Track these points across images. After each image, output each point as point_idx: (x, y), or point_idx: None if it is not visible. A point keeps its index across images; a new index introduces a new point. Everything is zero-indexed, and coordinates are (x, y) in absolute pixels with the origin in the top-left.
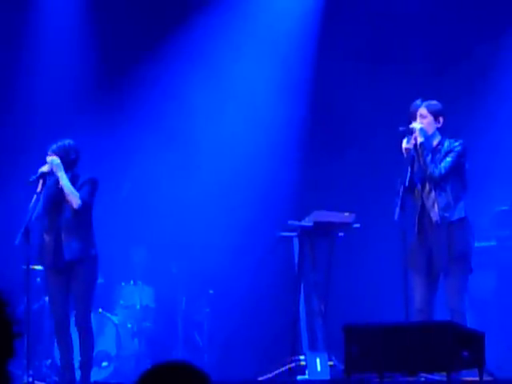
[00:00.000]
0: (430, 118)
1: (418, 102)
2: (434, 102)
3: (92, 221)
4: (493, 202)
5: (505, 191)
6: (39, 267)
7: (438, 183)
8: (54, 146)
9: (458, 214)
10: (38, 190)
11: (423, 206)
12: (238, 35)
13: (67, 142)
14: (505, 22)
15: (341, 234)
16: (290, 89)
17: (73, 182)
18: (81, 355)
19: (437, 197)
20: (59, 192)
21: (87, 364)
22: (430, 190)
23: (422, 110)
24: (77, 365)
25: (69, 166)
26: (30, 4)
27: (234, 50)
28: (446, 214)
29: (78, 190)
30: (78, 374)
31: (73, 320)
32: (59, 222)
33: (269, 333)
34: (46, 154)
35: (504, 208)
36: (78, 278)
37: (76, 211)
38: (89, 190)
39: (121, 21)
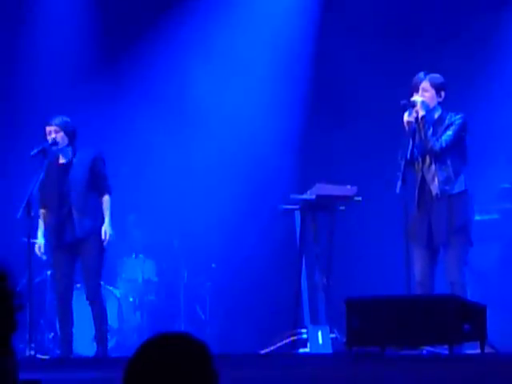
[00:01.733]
0: (432, 92)
1: (421, 75)
2: (437, 76)
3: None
4: (495, 175)
5: (508, 164)
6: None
7: (439, 156)
8: (57, 121)
9: (458, 187)
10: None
11: (423, 179)
12: (239, 9)
13: (65, 118)
14: None
15: (342, 207)
16: (293, 63)
17: (73, 155)
18: (96, 329)
19: (437, 170)
20: (63, 169)
21: (104, 337)
22: (431, 164)
23: (425, 84)
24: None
25: (72, 140)
26: None
27: (235, 24)
28: (446, 187)
29: (86, 165)
30: (93, 346)
31: (76, 294)
32: (67, 200)
33: (271, 306)
34: (45, 128)
35: (506, 186)
36: (88, 252)
37: (90, 190)
38: (106, 175)
39: None
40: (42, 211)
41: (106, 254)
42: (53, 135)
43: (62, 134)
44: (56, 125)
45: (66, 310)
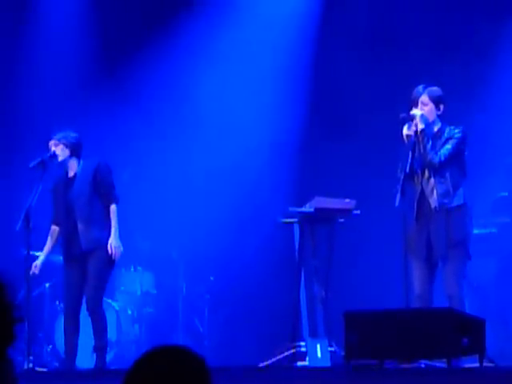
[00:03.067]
0: (431, 106)
1: (420, 88)
2: (436, 89)
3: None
4: (494, 188)
5: (505, 177)
6: (40, 253)
7: (438, 170)
8: (59, 136)
9: (456, 200)
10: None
11: (422, 192)
12: (238, 21)
13: (68, 132)
14: (505, 7)
15: (341, 220)
16: (291, 75)
17: (78, 167)
18: (96, 339)
19: (436, 183)
20: (70, 183)
21: (103, 348)
22: (430, 177)
23: (424, 98)
24: (92, 349)
25: (76, 152)
26: None
27: (235, 37)
28: (445, 201)
29: (89, 175)
30: (93, 358)
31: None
32: (72, 212)
33: (269, 319)
34: (49, 141)
35: (504, 194)
36: (93, 263)
37: (95, 201)
38: (111, 183)
39: (122, 6)
40: (54, 228)
41: (113, 267)
42: (52, 148)
43: (61, 146)
44: (56, 139)
45: (73, 322)
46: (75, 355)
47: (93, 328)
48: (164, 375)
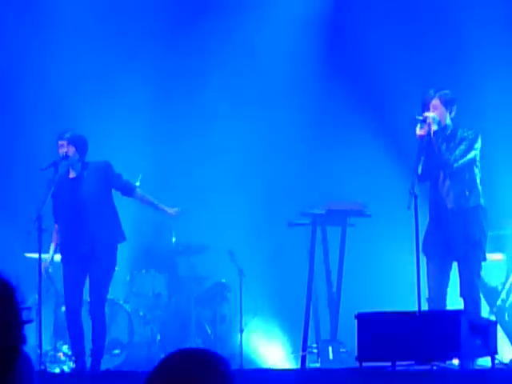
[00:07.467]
0: (443, 109)
1: (431, 92)
2: (447, 92)
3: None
4: (508, 189)
5: None
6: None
7: (453, 171)
8: (68, 135)
9: (473, 201)
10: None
11: (438, 193)
12: (246, 27)
13: (77, 132)
14: None
15: (352, 224)
16: (304, 75)
17: (83, 168)
18: (93, 343)
19: (452, 185)
20: (74, 183)
21: (98, 352)
22: (445, 178)
23: (435, 101)
24: (88, 352)
25: (82, 154)
26: None
27: (244, 42)
28: (462, 202)
29: (99, 177)
30: (88, 362)
31: (86, 307)
32: (81, 213)
33: (281, 321)
34: (57, 142)
35: None
36: (99, 266)
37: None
38: (121, 175)
39: (135, 5)
40: (55, 226)
41: (114, 271)
42: (64, 149)
43: (73, 148)
44: (67, 138)
45: (75, 324)
46: (84, 356)
47: (93, 331)
48: (188, 377)
